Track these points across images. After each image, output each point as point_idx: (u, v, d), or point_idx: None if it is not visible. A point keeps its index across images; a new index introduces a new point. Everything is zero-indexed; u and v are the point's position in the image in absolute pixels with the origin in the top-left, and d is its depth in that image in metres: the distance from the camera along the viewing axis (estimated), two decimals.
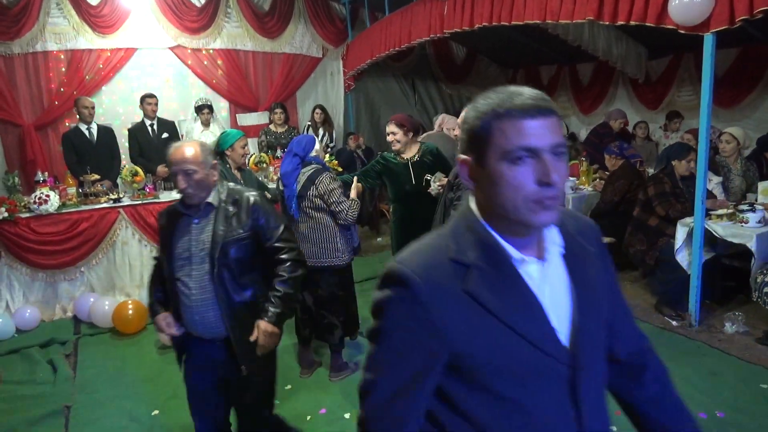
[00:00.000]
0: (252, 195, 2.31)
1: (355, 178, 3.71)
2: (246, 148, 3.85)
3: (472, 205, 1.03)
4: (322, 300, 3.55)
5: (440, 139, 5.27)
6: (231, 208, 2.25)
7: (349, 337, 3.74)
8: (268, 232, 2.27)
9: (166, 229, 2.31)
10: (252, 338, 2.22)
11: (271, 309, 2.23)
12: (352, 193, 3.51)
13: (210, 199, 2.23)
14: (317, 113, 7.18)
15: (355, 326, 3.75)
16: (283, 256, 2.28)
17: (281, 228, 2.29)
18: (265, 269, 2.33)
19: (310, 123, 7.28)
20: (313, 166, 3.39)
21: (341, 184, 3.48)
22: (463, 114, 2.83)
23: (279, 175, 3.49)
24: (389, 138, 3.77)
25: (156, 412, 3.33)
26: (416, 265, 0.97)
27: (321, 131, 7.17)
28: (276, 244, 2.28)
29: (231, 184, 2.36)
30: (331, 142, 7.31)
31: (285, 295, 2.26)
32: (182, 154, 2.17)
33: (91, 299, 4.70)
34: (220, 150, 3.74)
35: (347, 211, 3.36)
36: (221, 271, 2.17)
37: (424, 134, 5.58)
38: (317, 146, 3.49)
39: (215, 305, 2.20)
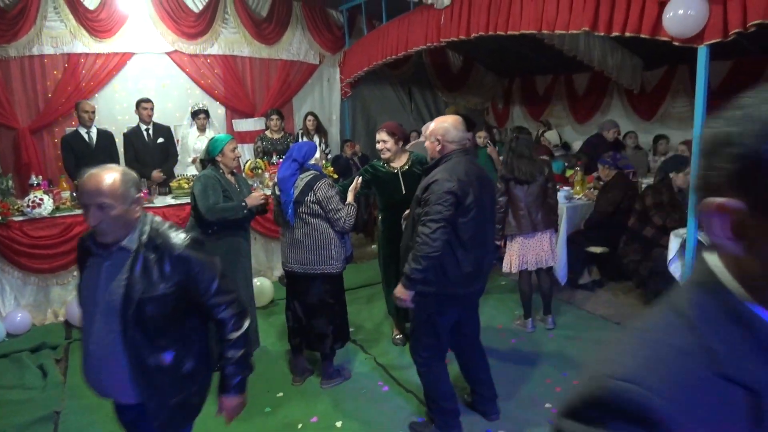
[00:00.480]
0: (180, 241, 1.86)
1: (358, 178, 3.68)
2: (236, 151, 3.80)
3: (723, 274, 0.65)
4: (313, 308, 3.53)
5: (426, 148, 5.27)
6: (152, 255, 1.81)
7: (339, 346, 3.72)
8: (201, 286, 1.86)
9: (79, 263, 1.96)
10: (216, 415, 1.97)
11: (232, 381, 1.93)
12: (350, 196, 3.49)
13: (125, 243, 1.80)
14: (309, 120, 7.11)
15: (345, 335, 3.73)
16: (223, 315, 1.90)
17: (216, 279, 1.88)
18: (189, 322, 1.93)
19: (302, 130, 7.19)
20: (312, 172, 3.38)
21: (339, 191, 3.47)
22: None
23: (276, 179, 3.48)
24: (379, 146, 3.73)
25: None
26: (661, 385, 0.57)
27: (316, 138, 7.13)
28: (213, 301, 1.88)
29: (157, 220, 1.95)
30: (327, 148, 7.31)
31: (240, 358, 1.94)
32: (97, 184, 1.79)
33: None
34: (210, 157, 3.71)
35: (345, 218, 3.35)
36: (133, 332, 1.77)
37: (411, 143, 5.58)
38: (317, 154, 3.48)
39: (124, 368, 1.80)
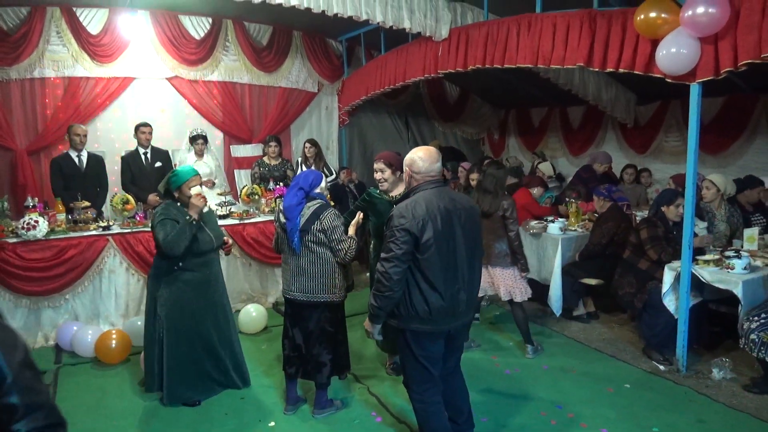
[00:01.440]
0: None
1: (359, 213, 3.69)
2: (199, 191, 3.58)
3: None
4: (313, 336, 3.50)
5: None
6: None
7: (338, 377, 3.67)
8: None
9: None
10: None
11: None
12: (351, 230, 3.50)
13: None
14: (308, 147, 6.92)
15: (345, 366, 3.68)
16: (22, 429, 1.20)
17: (11, 375, 1.21)
18: None
19: (301, 158, 7.04)
20: (318, 201, 3.40)
21: (344, 222, 3.48)
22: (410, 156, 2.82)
23: (281, 207, 3.45)
24: (377, 176, 3.74)
25: None
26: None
27: (312, 167, 7.02)
28: (8, 402, 1.20)
29: None
30: (331, 174, 7.25)
31: None
32: None
33: (74, 328, 4.61)
34: (169, 189, 3.61)
35: (346, 251, 3.36)
36: None
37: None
38: (323, 183, 3.50)
39: None
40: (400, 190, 3.78)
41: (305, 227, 3.33)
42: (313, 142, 7.04)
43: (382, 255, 2.62)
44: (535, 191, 6.25)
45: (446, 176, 6.06)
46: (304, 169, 6.67)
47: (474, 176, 5.93)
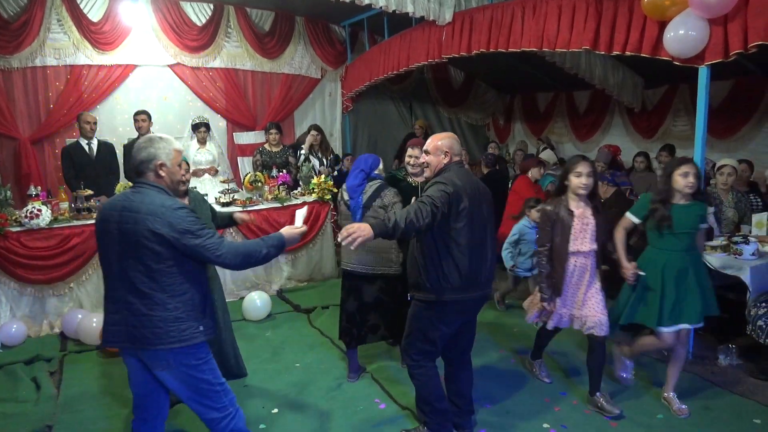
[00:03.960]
0: None
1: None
2: (182, 166, 3.13)
3: None
4: (368, 306, 3.75)
5: None
6: None
7: (389, 343, 3.91)
8: None
9: None
10: None
11: None
12: None
13: None
14: (314, 135, 6.70)
15: (397, 334, 3.67)
16: None
17: None
18: None
19: (304, 151, 6.60)
20: (378, 181, 3.71)
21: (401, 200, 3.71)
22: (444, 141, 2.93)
23: (345, 187, 3.78)
24: (417, 161, 3.81)
25: None
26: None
27: (318, 155, 6.80)
28: None
29: None
30: (337, 165, 7.13)
31: None
32: None
33: (79, 316, 4.63)
34: None
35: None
36: None
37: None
38: (381, 165, 3.80)
39: None
40: (421, 177, 3.81)
41: (367, 203, 3.62)
42: (319, 129, 6.92)
43: (421, 200, 2.73)
44: (534, 171, 6.11)
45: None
46: (311, 158, 6.59)
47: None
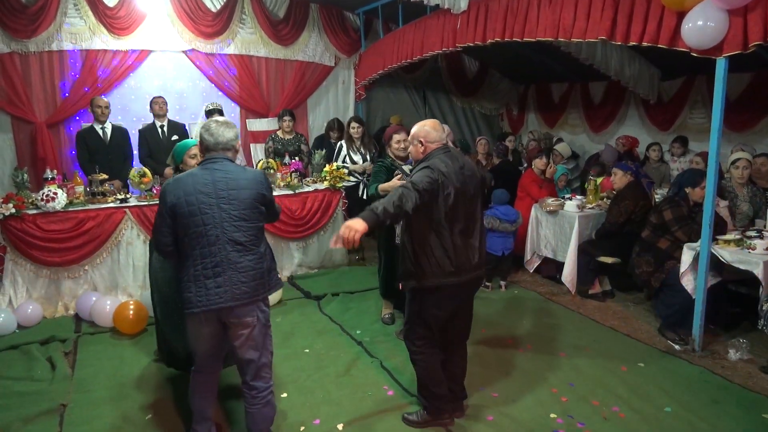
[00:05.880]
0: None
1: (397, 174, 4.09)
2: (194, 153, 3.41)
3: None
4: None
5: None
6: None
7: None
8: None
9: None
10: None
11: None
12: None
13: None
14: (355, 128, 6.25)
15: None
16: None
17: None
18: None
19: (344, 150, 6.27)
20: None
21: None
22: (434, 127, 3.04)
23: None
24: (405, 145, 3.99)
25: (150, 416, 3.32)
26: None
27: (361, 150, 6.32)
28: None
29: None
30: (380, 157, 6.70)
31: None
32: None
33: (93, 298, 4.70)
34: (176, 164, 3.55)
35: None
36: None
37: None
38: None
39: None
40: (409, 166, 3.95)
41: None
42: (360, 121, 6.40)
43: (408, 183, 2.80)
44: (538, 162, 6.05)
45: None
46: (352, 154, 6.29)
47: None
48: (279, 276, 2.67)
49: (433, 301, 2.95)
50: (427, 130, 3.00)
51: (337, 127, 7.06)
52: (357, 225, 2.59)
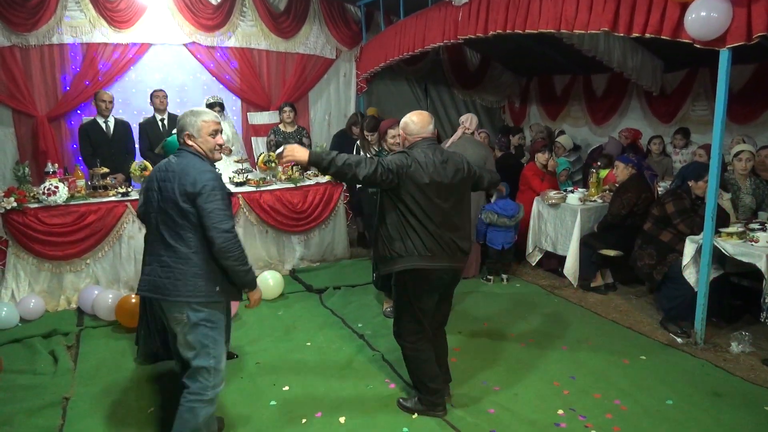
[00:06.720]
0: None
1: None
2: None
3: None
4: None
5: (470, 144, 5.20)
6: None
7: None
8: None
9: None
10: None
11: None
12: None
13: None
14: (368, 136, 4.95)
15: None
16: None
17: None
18: None
19: (356, 135, 5.98)
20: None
21: None
22: (405, 120, 3.10)
23: None
24: (397, 140, 3.91)
25: (152, 409, 3.33)
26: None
27: (375, 147, 4.84)
28: None
29: None
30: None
31: None
32: None
33: (95, 292, 4.71)
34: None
35: None
36: None
37: (448, 141, 5.52)
38: None
39: None
40: None
41: None
42: (373, 128, 4.97)
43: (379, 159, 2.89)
44: (540, 156, 6.03)
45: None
46: (363, 155, 5.94)
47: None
48: (217, 290, 2.56)
49: (415, 289, 2.98)
50: (406, 122, 3.08)
51: (360, 121, 6.82)
52: (300, 153, 2.76)
